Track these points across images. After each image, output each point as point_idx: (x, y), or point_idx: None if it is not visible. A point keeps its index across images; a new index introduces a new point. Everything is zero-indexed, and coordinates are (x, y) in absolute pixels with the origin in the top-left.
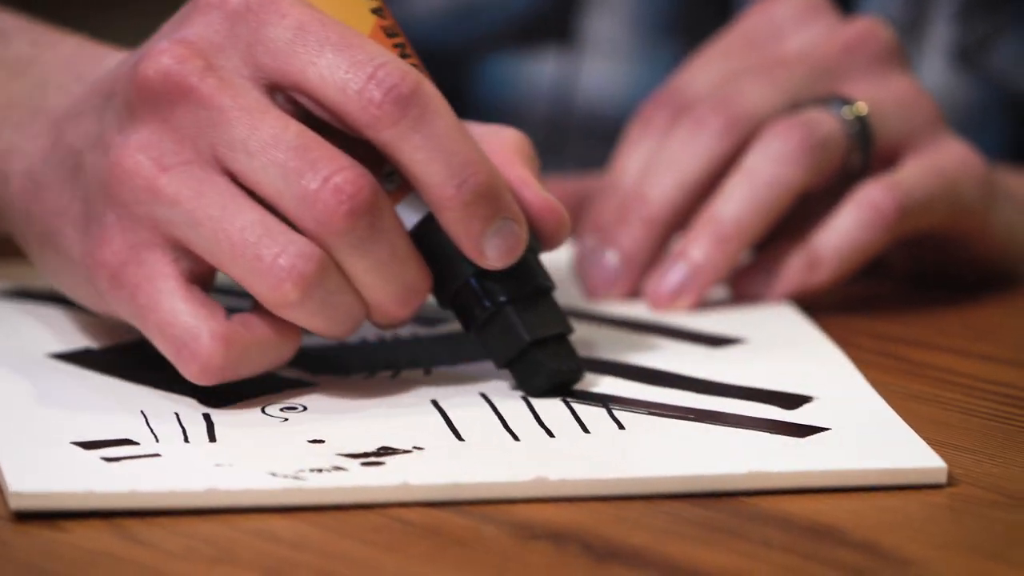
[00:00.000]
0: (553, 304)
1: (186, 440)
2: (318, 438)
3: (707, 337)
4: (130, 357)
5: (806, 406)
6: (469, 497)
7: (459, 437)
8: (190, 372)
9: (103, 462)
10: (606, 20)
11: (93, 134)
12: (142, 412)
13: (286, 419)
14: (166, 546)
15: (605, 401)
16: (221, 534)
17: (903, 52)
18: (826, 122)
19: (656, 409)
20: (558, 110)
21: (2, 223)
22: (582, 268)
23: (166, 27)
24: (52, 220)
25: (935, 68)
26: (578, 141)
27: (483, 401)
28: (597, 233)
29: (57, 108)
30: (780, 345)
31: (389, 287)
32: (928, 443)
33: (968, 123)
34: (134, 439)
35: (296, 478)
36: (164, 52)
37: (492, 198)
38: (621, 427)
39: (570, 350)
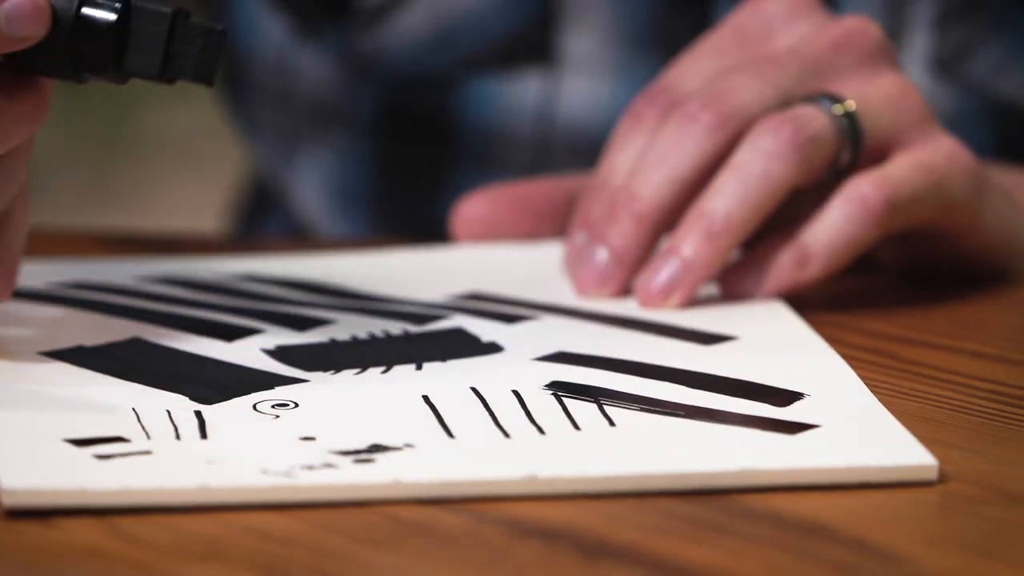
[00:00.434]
0: None
1: (177, 437)
2: (309, 435)
3: (698, 334)
4: (122, 355)
5: (797, 403)
6: (460, 495)
7: (450, 434)
8: None
9: (95, 459)
10: (585, 37)
11: None
12: (134, 409)
13: (277, 416)
14: (158, 543)
15: (596, 395)
16: (213, 531)
17: (892, 50)
18: (816, 118)
19: (647, 405)
20: (542, 130)
21: None
22: (572, 265)
23: None
24: None
25: (915, 76)
26: (563, 159)
27: (474, 398)
28: (587, 230)
29: None
30: (771, 343)
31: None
32: (919, 440)
33: (950, 131)
34: (126, 436)
35: (287, 475)
36: None
37: None
38: (612, 424)
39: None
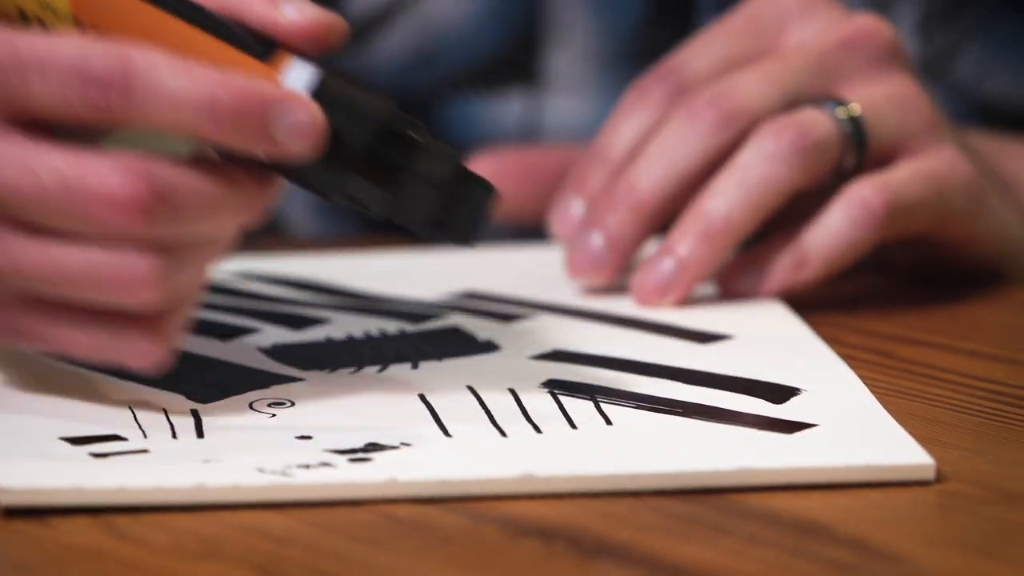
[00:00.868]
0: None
1: (174, 436)
2: (306, 434)
3: (695, 333)
4: None
5: (794, 400)
6: (457, 493)
7: (447, 433)
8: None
9: (91, 458)
10: (566, 56)
11: None
12: (130, 408)
13: (274, 415)
14: (154, 542)
15: (592, 393)
16: (209, 530)
17: (903, 51)
18: (821, 122)
19: (644, 403)
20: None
21: None
22: (566, 243)
23: None
24: None
25: None
26: None
27: (471, 396)
28: (581, 197)
29: None
30: (768, 342)
31: (227, 221)
32: (916, 440)
33: None
34: (122, 435)
35: (284, 474)
36: None
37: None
38: (609, 422)
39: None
